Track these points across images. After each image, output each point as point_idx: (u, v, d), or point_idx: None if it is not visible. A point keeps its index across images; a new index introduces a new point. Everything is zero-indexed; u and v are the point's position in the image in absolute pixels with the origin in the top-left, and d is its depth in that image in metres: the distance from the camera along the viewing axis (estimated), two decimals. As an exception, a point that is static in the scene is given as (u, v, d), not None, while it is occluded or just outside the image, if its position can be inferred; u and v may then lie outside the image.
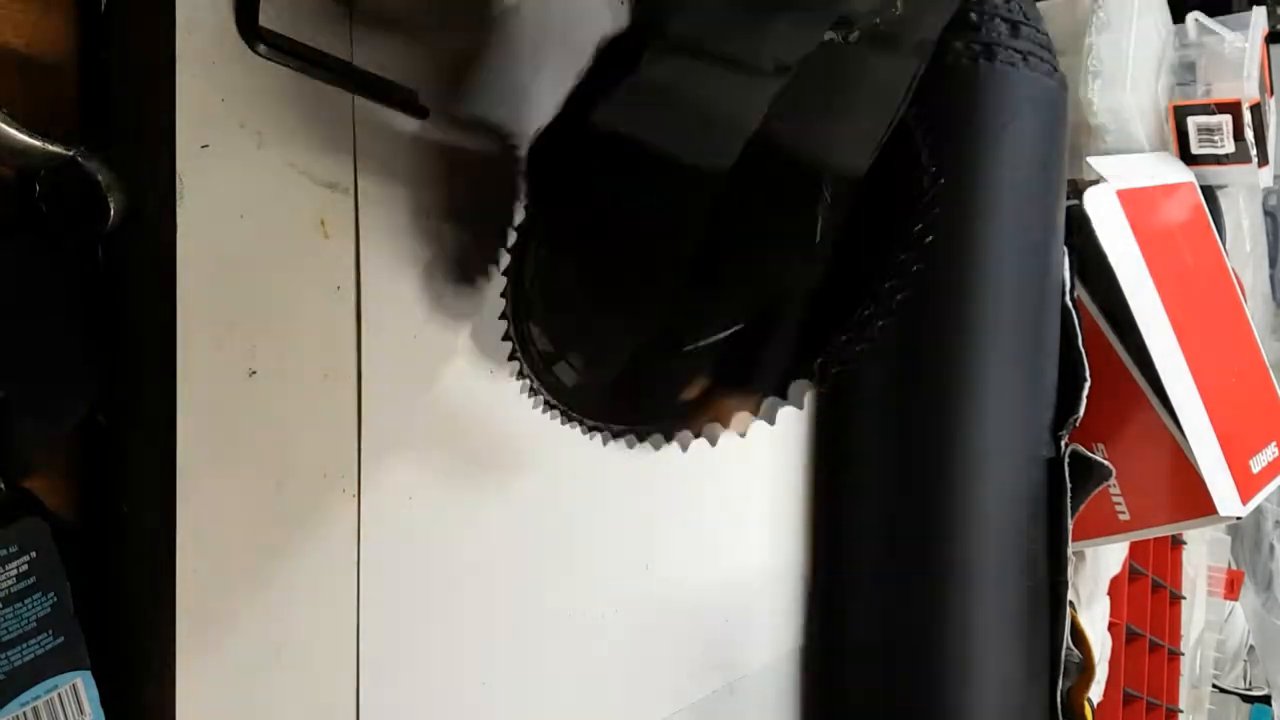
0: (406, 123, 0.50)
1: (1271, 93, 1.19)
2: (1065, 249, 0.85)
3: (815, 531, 0.82)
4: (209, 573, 0.42)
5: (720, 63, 0.41)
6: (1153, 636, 1.20)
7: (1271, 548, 1.56)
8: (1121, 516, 0.94)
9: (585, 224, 0.48)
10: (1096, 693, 1.03)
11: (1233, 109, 1.06)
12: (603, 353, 0.50)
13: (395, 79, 0.49)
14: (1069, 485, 0.81)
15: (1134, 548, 1.13)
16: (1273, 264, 1.39)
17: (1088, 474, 0.84)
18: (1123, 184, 0.92)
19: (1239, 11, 1.14)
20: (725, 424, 0.47)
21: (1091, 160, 0.92)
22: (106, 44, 0.44)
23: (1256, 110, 1.07)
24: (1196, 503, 0.88)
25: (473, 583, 0.54)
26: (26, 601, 0.40)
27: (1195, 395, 0.89)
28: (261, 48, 0.43)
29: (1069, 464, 0.81)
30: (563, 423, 0.50)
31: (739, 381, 0.48)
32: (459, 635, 0.53)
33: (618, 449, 0.63)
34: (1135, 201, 0.92)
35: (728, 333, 0.48)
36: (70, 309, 0.43)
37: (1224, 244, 1.11)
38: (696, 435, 0.47)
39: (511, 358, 0.51)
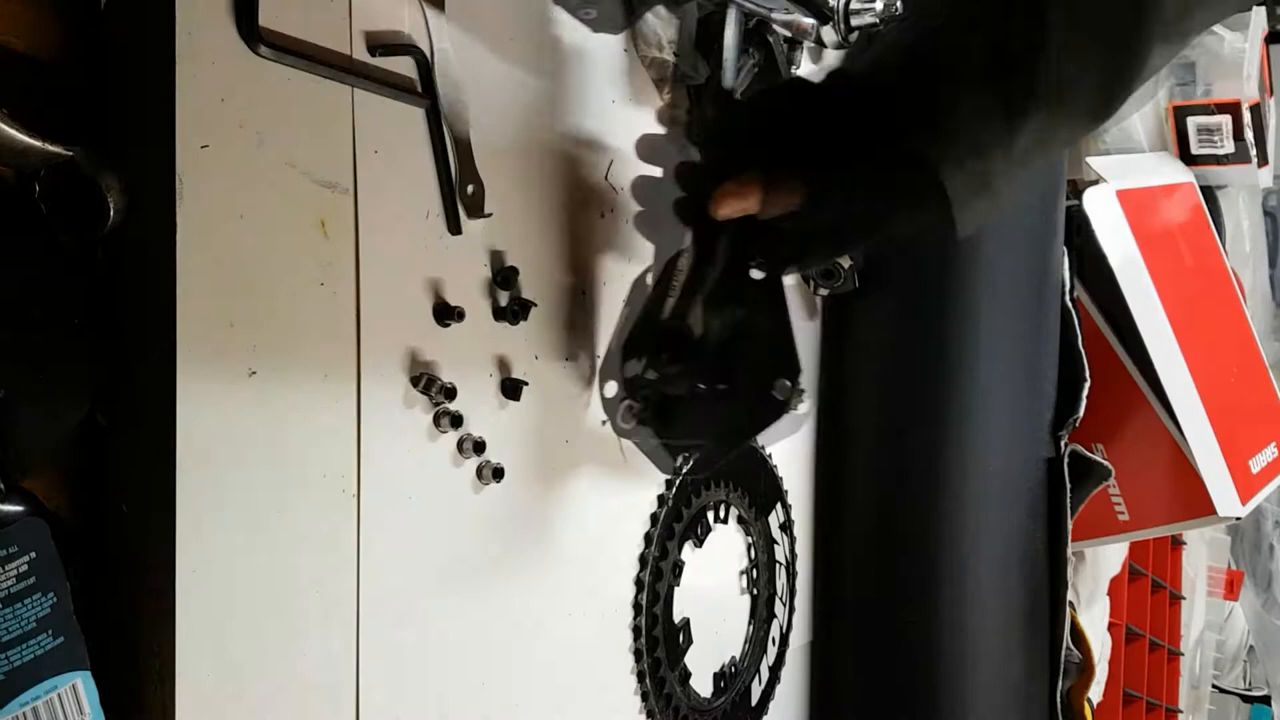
0: (407, 123, 0.51)
1: (1271, 93, 1.19)
2: (1065, 249, 0.85)
3: (817, 531, 0.83)
4: (209, 573, 0.42)
5: None
6: (1153, 636, 1.20)
7: (1271, 548, 1.56)
8: (1121, 517, 0.94)
9: None
10: (1096, 693, 1.03)
11: (1233, 109, 1.06)
12: None
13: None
14: (1069, 485, 0.81)
15: (1134, 548, 1.14)
16: (1273, 264, 1.39)
17: (1087, 474, 0.84)
18: (1122, 184, 0.92)
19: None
20: None
21: (1091, 160, 0.92)
22: (106, 44, 0.44)
23: (1256, 110, 1.07)
24: (1196, 503, 0.88)
25: (473, 582, 0.54)
26: (26, 602, 0.40)
27: (1194, 396, 0.89)
28: (262, 48, 0.43)
29: (1068, 464, 0.81)
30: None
31: None
32: (459, 634, 0.53)
33: (615, 450, 0.63)
34: (1135, 202, 0.93)
35: None
36: (70, 309, 0.43)
37: (1224, 244, 1.11)
38: None
39: None
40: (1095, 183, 0.90)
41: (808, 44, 0.71)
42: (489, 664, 0.55)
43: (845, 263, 0.76)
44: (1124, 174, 0.94)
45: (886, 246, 0.56)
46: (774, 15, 0.69)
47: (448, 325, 0.52)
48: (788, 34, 0.71)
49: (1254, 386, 1.02)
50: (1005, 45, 0.47)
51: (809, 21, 0.70)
